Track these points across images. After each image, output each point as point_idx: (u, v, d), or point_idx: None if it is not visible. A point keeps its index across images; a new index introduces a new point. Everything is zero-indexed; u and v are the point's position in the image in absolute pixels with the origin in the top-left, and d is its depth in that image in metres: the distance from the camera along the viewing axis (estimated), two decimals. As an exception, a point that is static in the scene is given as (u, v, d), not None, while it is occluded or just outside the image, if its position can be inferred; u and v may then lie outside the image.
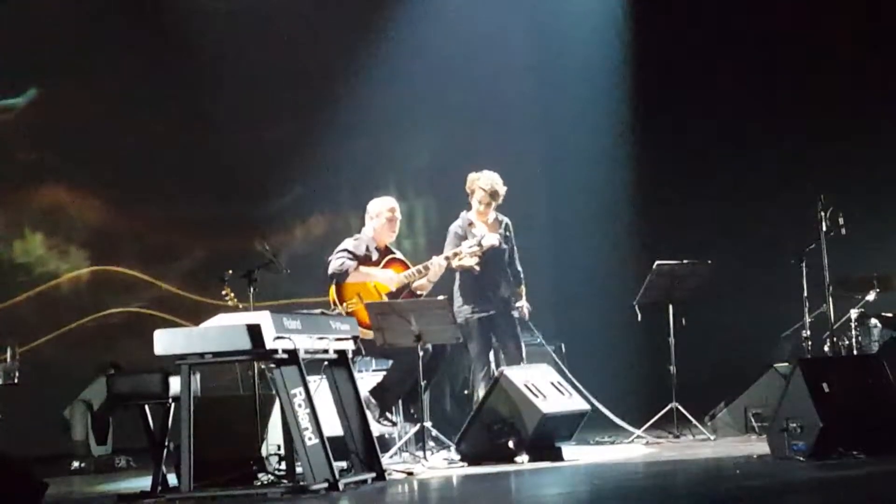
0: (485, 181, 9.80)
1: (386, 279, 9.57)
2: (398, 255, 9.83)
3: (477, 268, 9.69)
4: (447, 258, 9.59)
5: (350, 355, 8.37)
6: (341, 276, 9.47)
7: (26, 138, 12.03)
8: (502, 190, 9.83)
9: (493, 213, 9.90)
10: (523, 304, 9.93)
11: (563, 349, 11.55)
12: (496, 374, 9.24)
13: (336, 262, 9.52)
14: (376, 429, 8.80)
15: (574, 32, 13.52)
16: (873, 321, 10.70)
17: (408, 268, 9.67)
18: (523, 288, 9.98)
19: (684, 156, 13.11)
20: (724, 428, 10.32)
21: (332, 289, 9.50)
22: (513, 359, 9.70)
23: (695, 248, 10.95)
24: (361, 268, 9.53)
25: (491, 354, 9.82)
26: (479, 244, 9.57)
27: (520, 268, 10.00)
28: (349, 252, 9.56)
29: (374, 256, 9.65)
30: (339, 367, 8.27)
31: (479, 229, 9.82)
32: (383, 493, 7.77)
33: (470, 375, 10.60)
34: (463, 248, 9.60)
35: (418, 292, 9.63)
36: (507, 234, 9.94)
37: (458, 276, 9.84)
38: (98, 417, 10.48)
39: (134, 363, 9.88)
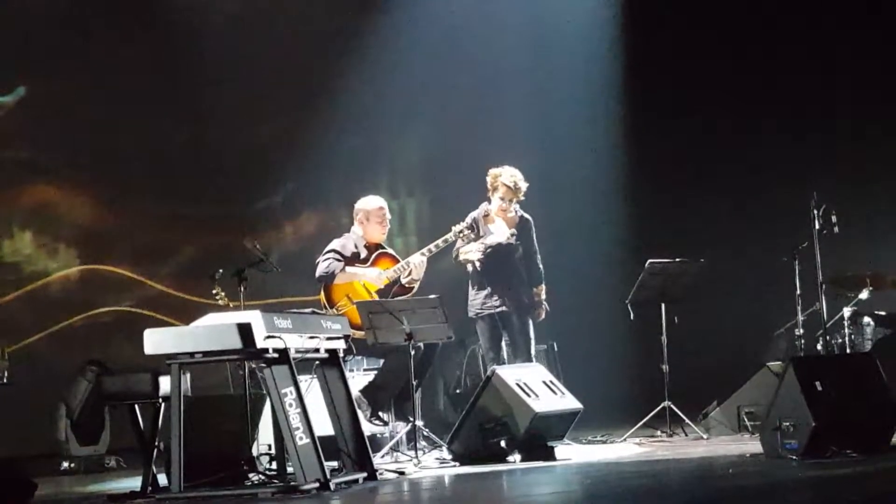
0: (507, 177, 9.66)
1: (374, 277, 9.49)
2: (387, 249, 9.76)
3: (478, 263, 9.65)
4: (423, 254, 9.53)
5: (341, 354, 8.33)
6: (328, 279, 9.42)
7: (15, 136, 11.96)
8: (524, 186, 9.71)
9: (515, 208, 9.80)
10: (541, 311, 9.81)
11: (556, 348, 11.53)
12: (489, 373, 9.19)
13: (323, 264, 9.47)
14: (368, 428, 8.76)
15: (568, 30, 13.50)
16: (866, 319, 10.69)
17: (397, 262, 9.61)
18: (542, 287, 9.83)
19: (678, 154, 13.11)
20: (716, 427, 10.29)
21: (322, 292, 9.46)
22: (521, 358, 9.62)
23: (687, 247, 10.93)
24: (348, 268, 9.47)
25: (504, 352, 9.76)
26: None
27: (541, 266, 9.86)
28: (336, 252, 9.50)
29: (363, 254, 9.59)
30: (330, 366, 8.23)
31: (495, 224, 9.77)
32: (375, 493, 7.73)
33: (463, 374, 10.56)
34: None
35: (408, 286, 9.56)
36: (527, 231, 9.83)
37: (469, 269, 9.77)
38: (89, 417, 10.41)
39: (124, 362, 9.83)
